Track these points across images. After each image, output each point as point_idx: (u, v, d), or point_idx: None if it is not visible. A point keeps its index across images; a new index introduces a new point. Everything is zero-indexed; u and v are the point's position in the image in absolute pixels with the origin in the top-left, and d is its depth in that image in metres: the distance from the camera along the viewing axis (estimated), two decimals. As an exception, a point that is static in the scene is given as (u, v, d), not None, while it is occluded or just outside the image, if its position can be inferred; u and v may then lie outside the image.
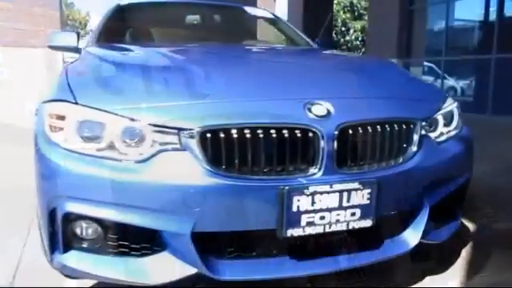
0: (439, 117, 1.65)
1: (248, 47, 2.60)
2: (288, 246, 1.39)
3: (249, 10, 3.09)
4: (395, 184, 1.43)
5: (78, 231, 1.37)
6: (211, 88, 1.45)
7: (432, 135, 1.60)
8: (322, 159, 1.33)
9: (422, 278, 1.70)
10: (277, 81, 1.58)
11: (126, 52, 2.05)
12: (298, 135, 1.32)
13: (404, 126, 1.47)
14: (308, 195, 1.30)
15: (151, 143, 1.32)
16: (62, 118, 1.39)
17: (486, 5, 8.40)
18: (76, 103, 1.39)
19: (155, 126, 1.31)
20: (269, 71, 1.76)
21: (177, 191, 1.27)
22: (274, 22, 3.15)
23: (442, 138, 1.64)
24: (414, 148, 1.49)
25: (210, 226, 1.30)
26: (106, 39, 2.49)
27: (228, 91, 1.44)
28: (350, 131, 1.37)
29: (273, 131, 1.30)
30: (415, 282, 1.67)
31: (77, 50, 2.55)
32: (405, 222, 1.54)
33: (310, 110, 1.37)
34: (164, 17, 2.89)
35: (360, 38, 22.60)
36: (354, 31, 23.21)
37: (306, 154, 1.33)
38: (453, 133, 1.71)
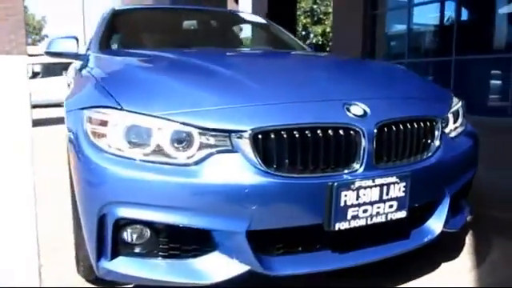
0: (450, 114, 1.79)
1: (265, 52, 2.67)
2: (332, 240, 1.47)
3: (246, 16, 3.16)
4: (424, 177, 1.54)
5: (127, 236, 1.39)
6: (254, 92, 1.50)
7: (446, 131, 1.73)
8: (363, 156, 1.42)
9: (438, 264, 1.83)
10: (311, 84, 1.66)
11: (149, 57, 2.07)
12: (341, 134, 1.40)
13: (428, 124, 1.59)
14: (354, 190, 1.38)
15: (200, 146, 1.35)
16: (105, 123, 1.40)
17: (444, 10, 8.88)
18: (121, 109, 1.40)
19: (205, 129, 1.35)
20: (300, 74, 1.84)
21: (231, 191, 1.32)
22: (270, 27, 3.23)
23: (453, 134, 1.78)
24: (437, 143, 1.61)
25: (263, 223, 1.35)
26: (111, 44, 2.48)
27: (271, 94, 1.50)
28: (385, 129, 1.46)
29: (319, 131, 1.38)
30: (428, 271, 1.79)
31: (77, 55, 2.53)
32: (429, 212, 1.66)
33: (348, 110, 1.45)
34: (164, 21, 2.91)
35: (320, 42, 23.16)
36: (315, 35, 23.76)
37: (348, 152, 1.41)
38: (460, 129, 1.84)
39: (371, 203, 1.42)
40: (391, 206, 1.46)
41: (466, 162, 1.77)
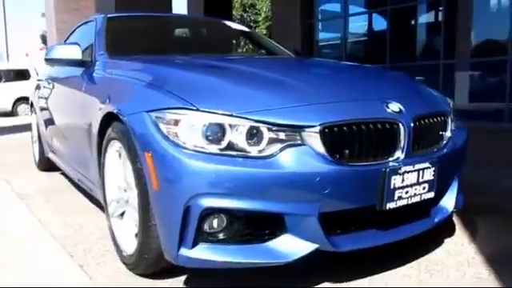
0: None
1: (289, 58, 2.86)
2: (379, 219, 1.71)
3: (233, 24, 3.34)
4: (444, 162, 1.83)
5: (209, 225, 1.51)
6: (310, 93, 1.70)
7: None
8: (404, 145, 1.67)
9: (441, 241, 2.14)
10: (350, 85, 1.89)
11: (183, 61, 2.18)
12: (387, 127, 1.65)
13: (443, 118, 1.90)
14: (400, 174, 1.63)
15: (269, 141, 1.52)
16: (178, 123, 1.52)
17: (376, 21, 9.69)
18: (197, 110, 1.53)
19: (278, 125, 1.52)
20: (334, 78, 2.07)
21: (305, 179, 1.50)
22: (253, 34, 3.43)
23: (453, 127, 2.11)
24: (449, 134, 1.93)
25: (330, 206, 1.55)
26: (121, 51, 2.54)
27: (325, 95, 1.71)
28: (417, 123, 1.74)
29: (370, 125, 1.62)
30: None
31: (82, 63, 2.55)
32: (443, 193, 1.96)
33: (387, 107, 1.71)
34: (164, 30, 3.00)
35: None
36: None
37: (393, 142, 1.67)
38: (454, 124, 2.19)
39: (411, 185, 1.68)
40: (424, 188, 1.73)
41: (464, 150, 2.11)
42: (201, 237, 1.52)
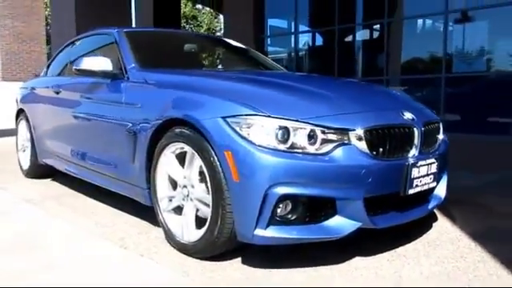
0: None
1: (306, 75, 3.27)
2: (401, 202, 2.17)
3: (233, 42, 3.73)
4: (440, 159, 2.35)
5: (280, 209, 1.88)
6: (348, 103, 2.14)
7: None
8: (418, 145, 2.16)
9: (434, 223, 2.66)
10: (369, 98, 2.36)
11: (228, 74, 2.54)
12: (406, 130, 2.13)
13: (438, 124, 2.43)
14: (418, 167, 2.11)
15: (325, 141, 1.93)
16: (251, 126, 1.88)
17: (322, 39, 10.51)
18: (269, 116, 1.90)
19: (331, 129, 1.93)
20: (355, 92, 2.51)
21: (352, 171, 1.92)
22: (253, 51, 3.84)
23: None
24: (441, 137, 2.46)
25: (371, 192, 1.98)
26: (149, 64, 2.82)
27: (358, 105, 2.15)
28: (423, 128, 2.23)
29: (396, 129, 2.08)
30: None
31: (114, 75, 2.79)
32: (437, 183, 2.47)
33: (403, 115, 2.19)
34: (176, 44, 3.31)
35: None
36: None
37: (410, 142, 2.14)
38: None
39: (423, 176, 2.17)
40: (431, 178, 2.23)
41: (448, 150, 2.65)
42: (273, 219, 1.88)
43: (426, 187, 2.22)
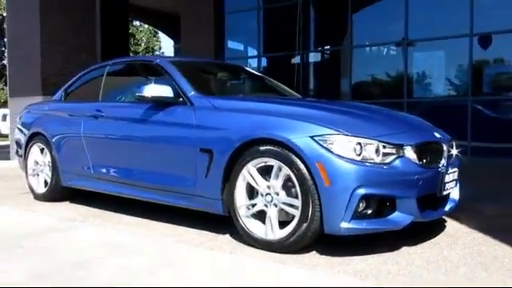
0: None
1: (352, 102, 4.08)
2: (435, 201, 3.03)
3: (249, 69, 4.51)
4: (458, 168, 3.26)
5: (360, 205, 2.66)
6: (396, 124, 3.00)
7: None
8: (446, 157, 3.06)
9: (444, 225, 3.55)
10: (406, 121, 3.24)
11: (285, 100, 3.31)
12: (438, 146, 3.02)
13: (452, 142, 3.36)
14: (448, 174, 3.00)
15: (386, 154, 2.75)
16: (333, 142, 2.66)
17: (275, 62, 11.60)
18: (348, 135, 2.69)
19: (392, 144, 2.76)
20: (393, 116, 3.38)
21: (409, 176, 2.76)
22: (263, 78, 4.65)
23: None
24: (455, 152, 3.39)
25: (420, 192, 2.81)
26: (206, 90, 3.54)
27: (403, 126, 3.02)
28: (448, 144, 3.15)
29: (433, 144, 2.97)
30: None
31: (177, 100, 3.45)
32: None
33: (434, 134, 3.08)
34: (214, 72, 4.03)
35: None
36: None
37: (441, 155, 3.03)
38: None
39: (450, 181, 3.06)
40: (454, 184, 3.13)
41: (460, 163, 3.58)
42: (354, 214, 2.65)
43: (451, 190, 3.12)
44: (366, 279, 2.41)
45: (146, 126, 3.62)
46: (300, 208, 2.74)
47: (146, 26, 25.49)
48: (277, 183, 2.87)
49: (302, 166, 2.72)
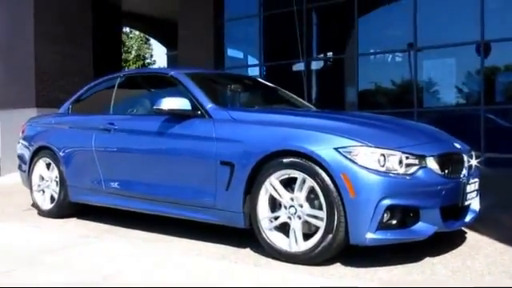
0: None
1: (370, 114, 4.33)
2: (457, 212, 3.26)
3: (262, 80, 4.77)
4: (478, 179, 3.51)
5: (385, 216, 2.88)
6: (416, 136, 3.25)
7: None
8: (466, 167, 3.30)
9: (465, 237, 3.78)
10: (425, 131, 3.50)
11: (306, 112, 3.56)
12: (459, 157, 3.27)
13: (471, 152, 3.60)
14: (469, 184, 3.24)
15: (408, 164, 2.98)
16: (357, 154, 2.90)
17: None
18: (371, 146, 2.93)
19: (414, 155, 3.00)
20: (412, 126, 3.64)
21: (432, 187, 2.99)
22: (277, 89, 4.90)
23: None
24: (475, 163, 3.63)
25: (443, 202, 3.05)
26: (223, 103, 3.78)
27: (424, 137, 3.27)
28: (466, 155, 3.39)
29: (454, 155, 3.21)
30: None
31: (195, 113, 3.68)
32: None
33: (455, 145, 3.33)
34: (228, 84, 4.30)
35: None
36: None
37: (461, 166, 3.28)
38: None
39: (471, 192, 3.30)
40: (475, 194, 3.37)
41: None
42: (379, 224, 2.87)
43: (472, 201, 3.35)
44: (393, 288, 2.64)
45: (163, 138, 3.84)
46: (325, 219, 2.96)
47: (137, 32, 25.83)
48: (301, 195, 3.09)
49: (326, 178, 2.94)
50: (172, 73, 4.14)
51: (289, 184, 3.16)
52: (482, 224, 3.89)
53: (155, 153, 3.91)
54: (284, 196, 3.17)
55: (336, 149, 2.95)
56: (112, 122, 4.30)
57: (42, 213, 4.91)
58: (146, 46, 28.12)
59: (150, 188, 3.94)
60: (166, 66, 23.65)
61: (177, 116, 3.75)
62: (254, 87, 4.86)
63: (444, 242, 3.43)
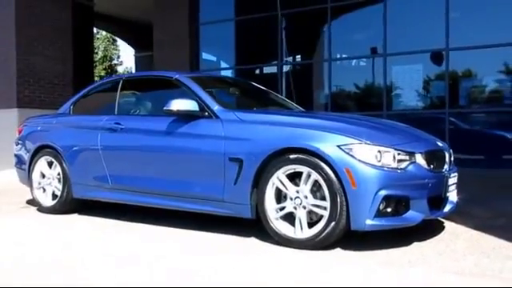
0: None
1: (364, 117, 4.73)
2: (440, 202, 3.71)
3: (255, 84, 5.14)
4: (457, 173, 3.97)
5: (382, 205, 3.29)
6: (405, 134, 3.68)
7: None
8: (448, 163, 3.76)
9: (443, 224, 4.25)
10: (411, 131, 3.93)
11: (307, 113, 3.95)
12: (442, 153, 3.72)
13: (451, 150, 4.07)
14: (450, 178, 3.70)
15: (400, 160, 3.40)
16: (357, 150, 3.30)
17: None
18: (368, 144, 3.33)
19: (406, 151, 3.42)
20: (399, 127, 4.06)
21: (421, 180, 3.43)
22: (270, 92, 5.27)
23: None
24: (452, 159, 4.10)
25: (430, 193, 3.48)
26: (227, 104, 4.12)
27: (411, 136, 3.71)
28: (447, 152, 3.85)
29: (437, 152, 3.66)
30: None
31: (202, 114, 4.01)
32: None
33: (438, 143, 3.78)
34: (228, 87, 4.64)
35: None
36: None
37: (443, 161, 3.73)
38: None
39: (452, 185, 3.76)
40: (454, 187, 3.83)
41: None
42: (376, 212, 3.28)
43: (452, 193, 3.81)
44: (392, 267, 3.04)
45: (172, 137, 4.15)
46: (329, 208, 3.35)
47: (104, 33, 25.69)
48: (306, 187, 3.47)
49: (329, 172, 3.34)
50: (176, 76, 4.45)
51: (293, 178, 3.53)
52: (456, 215, 4.38)
53: (165, 150, 4.20)
54: (290, 188, 3.54)
55: (338, 146, 3.35)
56: (118, 121, 4.56)
57: (43, 209, 5.10)
58: (113, 46, 28.01)
59: (159, 183, 4.23)
60: (133, 67, 23.67)
61: (185, 116, 4.07)
62: (249, 90, 5.21)
63: (427, 230, 3.88)
